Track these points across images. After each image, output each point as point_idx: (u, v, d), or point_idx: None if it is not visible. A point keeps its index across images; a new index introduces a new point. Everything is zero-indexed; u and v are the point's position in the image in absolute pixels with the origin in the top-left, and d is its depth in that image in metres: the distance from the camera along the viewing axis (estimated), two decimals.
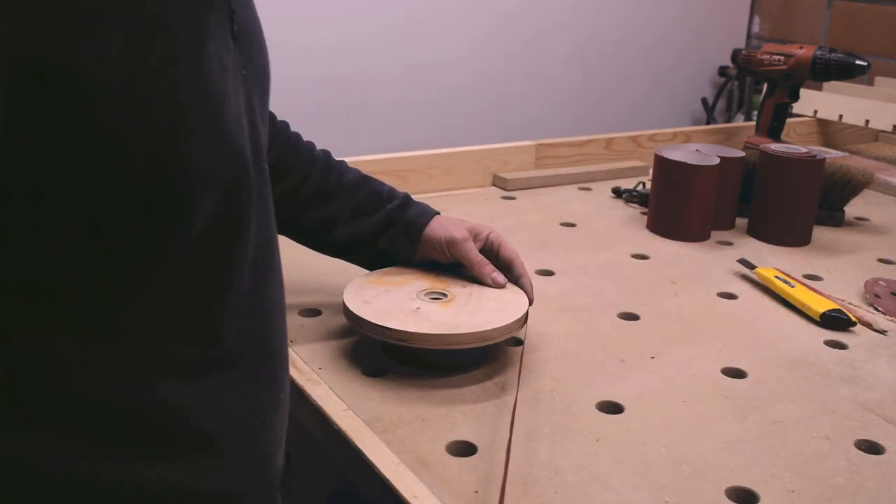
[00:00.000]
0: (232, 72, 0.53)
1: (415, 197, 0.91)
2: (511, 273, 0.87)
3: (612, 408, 0.76)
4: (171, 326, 0.53)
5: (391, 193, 0.89)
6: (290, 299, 0.92)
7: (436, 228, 0.87)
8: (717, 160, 1.16)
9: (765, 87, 1.47)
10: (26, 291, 0.49)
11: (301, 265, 1.01)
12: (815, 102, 1.73)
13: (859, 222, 1.30)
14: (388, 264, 0.89)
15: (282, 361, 0.64)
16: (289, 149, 0.86)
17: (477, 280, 0.86)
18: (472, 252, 0.85)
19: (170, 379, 0.54)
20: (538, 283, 1.01)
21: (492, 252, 0.87)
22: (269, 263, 0.61)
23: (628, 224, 1.24)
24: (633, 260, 1.10)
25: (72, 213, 0.47)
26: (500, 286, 0.84)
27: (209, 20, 0.51)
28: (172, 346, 0.53)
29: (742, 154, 1.22)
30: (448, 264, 0.88)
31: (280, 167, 0.83)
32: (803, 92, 1.48)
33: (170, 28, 0.48)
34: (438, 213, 0.89)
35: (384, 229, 0.87)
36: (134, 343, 0.52)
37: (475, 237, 0.87)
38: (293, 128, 0.89)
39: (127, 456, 0.53)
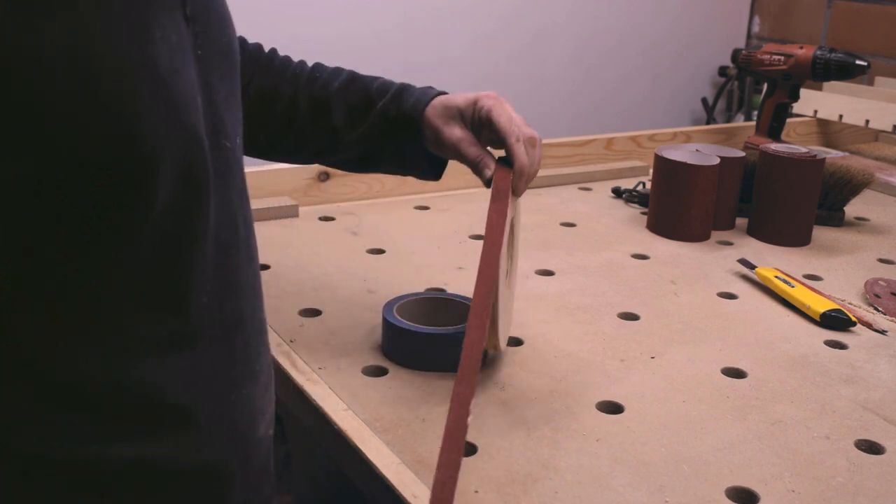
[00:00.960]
0: (182, 52, 0.54)
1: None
2: (505, 144, 0.76)
3: (612, 408, 0.76)
4: (141, 303, 0.54)
5: (381, 88, 0.82)
6: (290, 299, 0.93)
7: (431, 120, 0.79)
8: (717, 160, 1.16)
9: (765, 87, 1.47)
10: (4, 281, 0.50)
11: (301, 265, 1.01)
12: (815, 102, 1.73)
13: (859, 222, 1.30)
14: (421, 162, 0.82)
15: (255, 333, 0.64)
16: (270, 73, 0.83)
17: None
18: (470, 150, 0.77)
19: (143, 356, 0.54)
20: (538, 283, 1.01)
21: (482, 122, 0.78)
22: (233, 237, 0.61)
23: (628, 224, 1.24)
24: (633, 260, 1.10)
25: (35, 197, 0.47)
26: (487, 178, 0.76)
27: (155, 2, 0.52)
28: (143, 323, 0.54)
29: (742, 154, 1.22)
30: None
31: (266, 94, 0.82)
32: (803, 92, 1.48)
33: (110, 5, 0.48)
34: (438, 95, 0.80)
35: (387, 130, 0.81)
36: (106, 322, 0.53)
37: (474, 111, 0.78)
38: None
39: (107, 435, 0.54)
